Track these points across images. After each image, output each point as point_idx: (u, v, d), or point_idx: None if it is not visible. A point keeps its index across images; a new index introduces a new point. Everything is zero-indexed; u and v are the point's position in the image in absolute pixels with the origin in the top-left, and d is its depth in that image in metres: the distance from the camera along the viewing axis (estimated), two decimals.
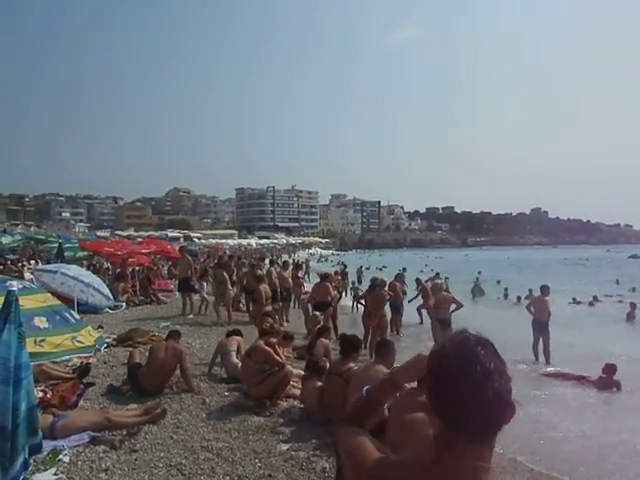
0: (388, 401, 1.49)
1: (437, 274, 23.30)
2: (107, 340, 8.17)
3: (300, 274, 16.81)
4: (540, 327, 10.66)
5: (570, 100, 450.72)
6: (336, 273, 19.52)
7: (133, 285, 15.67)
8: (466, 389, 1.10)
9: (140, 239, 33.69)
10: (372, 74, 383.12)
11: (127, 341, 8.35)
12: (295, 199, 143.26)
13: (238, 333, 7.68)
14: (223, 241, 53.81)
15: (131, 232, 50.53)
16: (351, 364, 5.36)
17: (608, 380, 8.45)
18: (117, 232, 52.74)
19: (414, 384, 4.70)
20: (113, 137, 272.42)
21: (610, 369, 8.50)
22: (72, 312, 3.37)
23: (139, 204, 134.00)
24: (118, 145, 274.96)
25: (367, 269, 32.31)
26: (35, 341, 2.62)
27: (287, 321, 13.36)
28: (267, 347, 6.12)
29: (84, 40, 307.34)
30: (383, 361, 4.93)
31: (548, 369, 9.80)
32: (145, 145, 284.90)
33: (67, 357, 3.98)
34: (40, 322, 2.71)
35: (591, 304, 20.48)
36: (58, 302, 3.38)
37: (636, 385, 8.46)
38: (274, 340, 6.37)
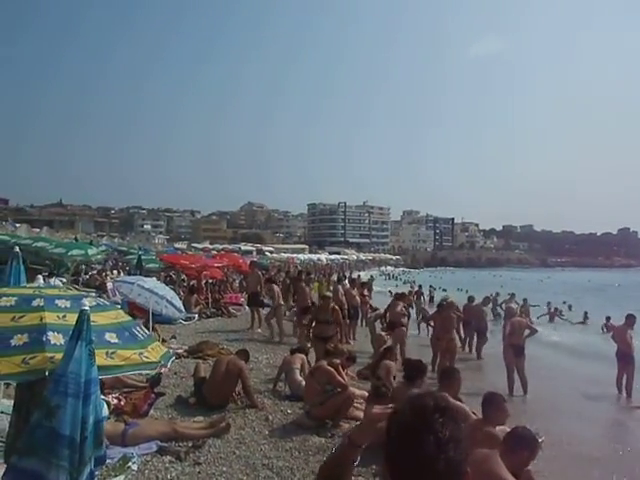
0: (356, 458, 1.49)
1: (512, 295, 22.22)
2: (178, 351, 8.53)
3: (366, 292, 16.75)
4: (624, 358, 9.81)
5: None
6: (410, 293, 19.30)
7: (206, 298, 16.29)
8: (418, 459, 1.09)
9: (215, 252, 35.02)
10: (452, 87, 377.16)
11: (197, 353, 8.66)
12: (366, 215, 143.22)
13: (302, 351, 7.72)
14: (294, 255, 54.53)
15: (206, 245, 52.37)
16: (414, 390, 5.19)
17: None
18: (193, 244, 54.98)
19: (478, 415, 4.46)
20: (183, 152, 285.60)
21: None
22: (141, 327, 3.55)
23: (215, 218, 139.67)
24: (190, 160, 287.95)
25: (437, 289, 31.51)
26: (107, 353, 2.77)
27: (354, 339, 13.30)
28: (330, 367, 6.10)
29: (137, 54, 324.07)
30: (447, 390, 4.73)
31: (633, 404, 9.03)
32: (216, 160, 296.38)
33: (134, 372, 4.21)
34: (110, 337, 2.87)
35: None
36: (128, 318, 3.56)
37: None
38: (338, 361, 6.33)
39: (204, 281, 17.59)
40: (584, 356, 13.53)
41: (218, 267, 19.09)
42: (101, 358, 2.66)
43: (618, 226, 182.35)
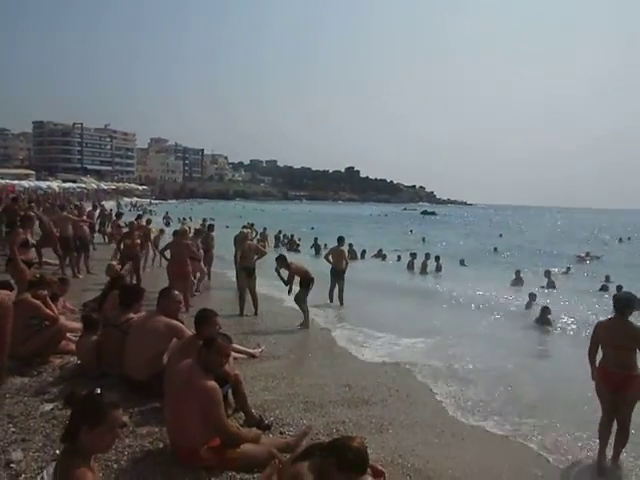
0: None
1: (252, 225, 23.76)
2: None
3: (121, 223, 15.71)
4: (338, 274, 11.56)
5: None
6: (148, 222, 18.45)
7: None
8: None
9: None
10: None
11: None
12: (108, 140, 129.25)
13: (6, 286, 6.56)
14: (15, 182, 46.24)
15: None
16: (131, 314, 5.00)
17: None
18: None
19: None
20: None
21: None
22: None
23: None
24: None
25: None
26: None
27: (89, 272, 12.38)
28: (35, 300, 5.36)
29: None
30: (164, 310, 4.69)
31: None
32: None
33: None
34: None
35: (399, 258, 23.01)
36: None
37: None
38: (45, 292, 5.59)
39: None
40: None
41: None
42: None
43: (345, 165, 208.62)
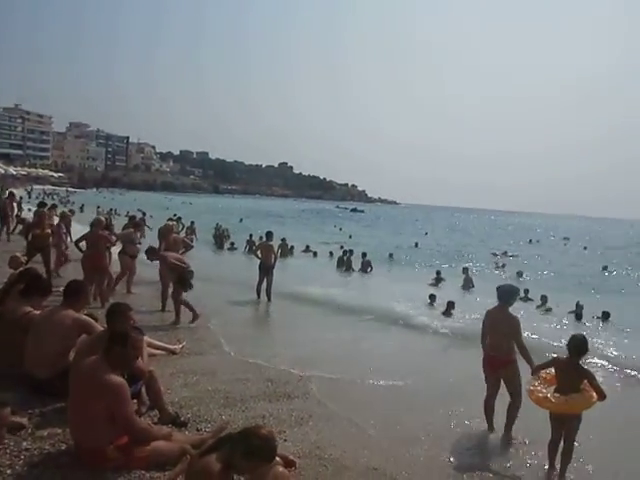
0: None
1: (179, 218, 23.01)
2: None
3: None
4: (266, 269, 11.43)
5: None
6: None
7: None
8: None
9: None
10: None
11: None
12: (19, 121, 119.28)
13: None
14: None
15: None
16: (29, 308, 4.63)
17: None
18: None
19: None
20: None
21: None
22: None
23: None
24: None
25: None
26: None
27: None
28: None
29: None
30: (72, 305, 4.39)
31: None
32: None
33: None
34: None
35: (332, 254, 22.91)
36: None
37: None
38: None
39: None
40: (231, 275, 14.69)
41: None
42: None
43: (279, 160, 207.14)
